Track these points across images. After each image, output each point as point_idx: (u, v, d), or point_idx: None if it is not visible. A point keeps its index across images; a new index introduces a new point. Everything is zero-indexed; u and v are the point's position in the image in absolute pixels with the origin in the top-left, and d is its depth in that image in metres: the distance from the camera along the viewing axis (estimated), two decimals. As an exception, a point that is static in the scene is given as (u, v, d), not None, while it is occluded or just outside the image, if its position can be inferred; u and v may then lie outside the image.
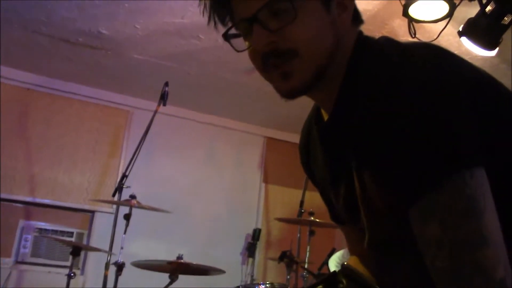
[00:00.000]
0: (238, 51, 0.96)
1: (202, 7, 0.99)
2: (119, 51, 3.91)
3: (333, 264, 2.96)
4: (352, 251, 1.17)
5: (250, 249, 4.99)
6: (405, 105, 0.78)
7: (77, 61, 4.16)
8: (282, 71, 0.90)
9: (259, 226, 5.19)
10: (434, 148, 0.76)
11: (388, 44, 0.93)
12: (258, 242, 5.04)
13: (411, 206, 0.79)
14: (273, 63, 0.90)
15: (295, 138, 4.94)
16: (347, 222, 1.10)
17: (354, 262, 1.10)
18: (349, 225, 1.11)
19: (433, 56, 0.85)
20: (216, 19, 0.98)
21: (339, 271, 0.97)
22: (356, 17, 0.97)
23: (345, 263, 0.98)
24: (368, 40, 0.96)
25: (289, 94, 0.93)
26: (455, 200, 0.75)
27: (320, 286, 0.97)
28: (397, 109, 0.79)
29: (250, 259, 5.00)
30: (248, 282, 4.77)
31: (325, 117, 1.01)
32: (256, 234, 5.05)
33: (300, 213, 3.85)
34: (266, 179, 5.40)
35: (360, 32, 0.98)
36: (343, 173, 0.98)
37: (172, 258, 3.12)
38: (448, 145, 0.76)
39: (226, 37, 0.96)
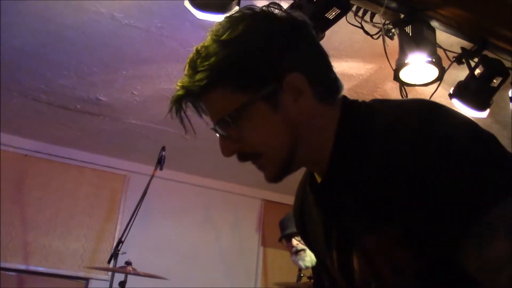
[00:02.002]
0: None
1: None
2: (117, 116, 3.96)
3: None
4: None
5: (249, 316, 4.85)
6: (438, 154, 0.79)
7: (75, 127, 4.21)
8: (256, 166, 0.98)
9: (258, 291, 5.07)
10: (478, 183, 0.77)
11: (378, 102, 0.96)
12: (257, 308, 4.90)
13: (463, 233, 0.76)
14: (246, 161, 0.98)
15: (292, 200, 4.86)
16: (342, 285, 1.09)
17: None
18: None
19: (427, 105, 0.88)
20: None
21: None
22: (327, 91, 0.97)
23: None
24: (355, 103, 0.98)
25: (272, 180, 0.98)
26: None
27: None
28: (428, 161, 0.79)
29: (249, 326, 4.85)
30: None
31: (318, 178, 1.02)
32: (255, 299, 4.92)
33: (299, 278, 3.78)
34: (264, 243, 5.33)
35: (345, 99, 0.99)
36: (334, 239, 0.99)
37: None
38: (490, 178, 0.77)
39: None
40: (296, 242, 2.87)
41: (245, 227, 5.30)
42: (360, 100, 0.99)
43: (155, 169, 3.51)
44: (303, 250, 2.84)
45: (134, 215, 3.50)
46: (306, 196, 1.10)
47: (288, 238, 2.91)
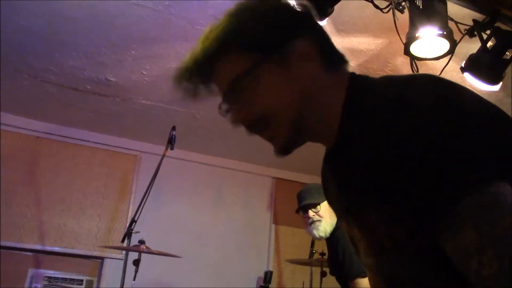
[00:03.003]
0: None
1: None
2: (127, 97, 3.96)
3: None
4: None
5: (262, 292, 4.89)
6: (426, 127, 0.78)
7: (86, 108, 4.22)
8: (265, 137, 0.97)
9: (270, 269, 5.11)
10: (463, 161, 0.76)
11: (386, 78, 0.95)
12: (270, 285, 4.94)
13: (441, 219, 0.77)
14: (255, 131, 0.96)
15: (304, 178, 4.96)
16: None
17: None
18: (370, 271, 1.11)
19: (434, 81, 0.87)
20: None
21: None
22: (334, 60, 0.98)
23: None
24: (362, 77, 0.98)
25: (282, 150, 0.97)
26: (486, 203, 0.74)
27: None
28: (416, 133, 0.79)
29: (262, 303, 4.89)
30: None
31: None
32: (267, 277, 4.95)
33: (312, 254, 3.81)
34: (276, 220, 5.35)
35: (352, 73, 0.99)
36: (344, 209, 1.01)
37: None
38: (476, 159, 0.76)
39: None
40: (313, 213, 2.90)
41: (256, 206, 5.32)
42: (369, 75, 0.99)
43: (166, 149, 3.52)
44: (319, 221, 2.88)
45: (146, 195, 3.53)
46: (327, 177, 1.13)
47: (305, 209, 2.95)
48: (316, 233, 2.89)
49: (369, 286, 2.70)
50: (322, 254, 3.44)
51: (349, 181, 0.94)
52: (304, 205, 2.95)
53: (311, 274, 3.94)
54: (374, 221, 0.89)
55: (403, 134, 0.80)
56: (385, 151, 0.82)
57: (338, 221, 2.84)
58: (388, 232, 0.86)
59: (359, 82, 0.95)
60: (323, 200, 2.87)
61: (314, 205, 2.91)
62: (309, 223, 2.92)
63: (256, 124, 0.95)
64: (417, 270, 0.86)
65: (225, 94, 0.95)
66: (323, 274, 3.43)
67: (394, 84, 0.90)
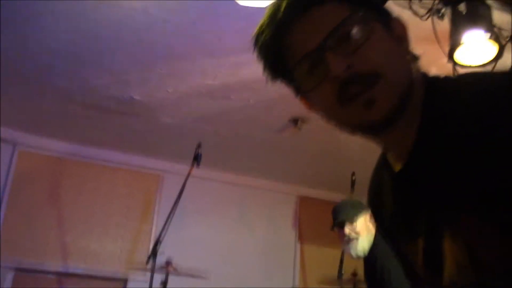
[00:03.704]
0: (298, 95, 0.91)
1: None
2: (151, 115, 3.92)
3: None
4: None
5: (288, 313, 4.78)
6: None
7: (109, 127, 4.19)
8: (365, 98, 0.80)
9: (296, 287, 4.99)
10: None
11: (460, 77, 0.88)
12: (296, 306, 4.83)
13: None
14: (354, 91, 0.80)
15: (329, 196, 4.84)
16: (424, 279, 0.99)
17: None
18: (425, 283, 1.00)
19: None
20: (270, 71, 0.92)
21: None
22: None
23: None
24: (438, 78, 0.90)
25: (382, 116, 0.81)
26: None
27: None
28: None
29: (289, 323, 4.77)
30: None
31: (393, 163, 0.93)
32: (294, 297, 4.85)
33: (341, 274, 3.69)
34: (301, 239, 5.25)
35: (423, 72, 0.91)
36: (422, 226, 0.88)
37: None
38: None
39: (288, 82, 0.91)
40: (349, 230, 2.77)
41: (281, 224, 5.23)
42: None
43: (192, 166, 3.45)
44: (356, 239, 2.75)
45: (171, 214, 3.46)
46: (383, 181, 0.99)
47: (341, 226, 2.82)
48: (353, 252, 2.77)
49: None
50: (354, 274, 3.33)
51: (434, 190, 0.85)
52: (340, 221, 2.83)
53: (341, 294, 3.81)
54: (472, 231, 0.80)
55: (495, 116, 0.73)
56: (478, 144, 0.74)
57: (376, 238, 2.73)
58: (491, 241, 0.77)
59: (435, 82, 0.87)
60: (360, 216, 2.76)
61: (350, 222, 2.79)
62: (346, 241, 2.80)
63: (360, 81, 0.79)
64: None
65: (327, 38, 0.80)
66: (356, 294, 3.31)
67: (471, 83, 0.83)
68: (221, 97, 3.58)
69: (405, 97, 0.81)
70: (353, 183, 3.84)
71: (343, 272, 3.69)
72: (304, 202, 5.34)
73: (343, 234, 2.79)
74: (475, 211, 0.77)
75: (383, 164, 0.98)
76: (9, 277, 4.23)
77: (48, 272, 4.35)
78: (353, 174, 3.89)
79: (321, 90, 0.83)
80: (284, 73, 0.91)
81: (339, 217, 2.82)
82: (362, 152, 4.28)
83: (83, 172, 4.64)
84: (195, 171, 3.66)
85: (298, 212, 5.32)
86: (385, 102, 0.80)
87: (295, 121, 3.77)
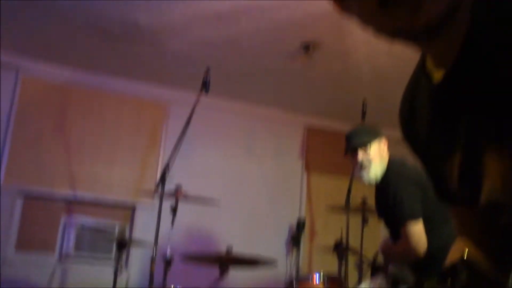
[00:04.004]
0: None
1: None
2: (157, 41, 3.81)
3: None
4: (461, 232, 1.02)
5: (294, 240, 4.85)
6: None
7: (114, 54, 4.09)
8: (411, 1, 0.70)
9: (303, 216, 5.06)
10: None
11: None
12: (302, 233, 4.90)
13: None
14: None
15: (336, 125, 4.81)
16: (460, 200, 0.94)
17: (468, 248, 0.95)
18: (462, 205, 0.95)
19: None
20: None
21: (458, 263, 0.83)
22: None
23: (465, 254, 0.84)
24: None
25: (416, 30, 0.73)
26: None
27: (434, 279, 0.83)
28: None
29: (295, 250, 4.86)
30: (294, 273, 4.64)
31: (433, 69, 0.85)
32: (300, 224, 4.91)
33: (348, 201, 3.70)
34: (308, 168, 5.26)
35: None
36: (460, 139, 0.83)
37: (217, 249, 3.01)
38: None
39: None
40: (362, 156, 2.75)
41: (288, 153, 5.23)
42: None
43: (200, 91, 3.38)
44: (369, 165, 2.73)
45: (180, 142, 3.43)
46: (419, 89, 0.92)
47: (354, 150, 2.79)
48: (365, 178, 2.76)
49: (422, 231, 2.58)
50: (364, 203, 3.33)
51: (477, 99, 0.78)
52: (353, 146, 2.79)
53: (348, 221, 3.84)
54: None
55: None
56: None
57: (389, 163, 2.71)
58: None
59: None
60: (374, 142, 2.73)
61: (364, 147, 2.76)
62: (358, 167, 2.78)
63: None
64: None
65: None
66: (365, 221, 3.33)
67: None
68: (230, 21, 3.45)
69: (454, 2, 0.72)
70: (364, 111, 3.79)
71: (350, 201, 3.70)
72: (311, 132, 5.31)
73: (356, 160, 2.77)
74: None
75: (421, 69, 0.89)
76: (18, 203, 4.28)
77: (56, 199, 4.40)
78: (364, 102, 3.83)
79: None
80: None
81: (353, 143, 2.78)
82: (374, 81, 4.20)
83: (88, 100, 4.58)
84: (203, 100, 3.59)
85: (306, 142, 5.30)
86: (433, 6, 0.70)
87: (306, 47, 3.65)
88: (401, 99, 0.99)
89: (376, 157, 2.73)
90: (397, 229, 2.65)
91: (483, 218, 0.92)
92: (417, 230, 2.54)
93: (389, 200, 2.66)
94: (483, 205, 0.84)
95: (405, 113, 0.98)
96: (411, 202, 2.56)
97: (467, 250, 0.93)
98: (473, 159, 0.82)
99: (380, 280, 2.74)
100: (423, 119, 0.92)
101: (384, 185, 2.73)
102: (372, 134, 2.79)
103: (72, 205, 4.48)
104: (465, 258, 0.83)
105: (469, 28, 0.77)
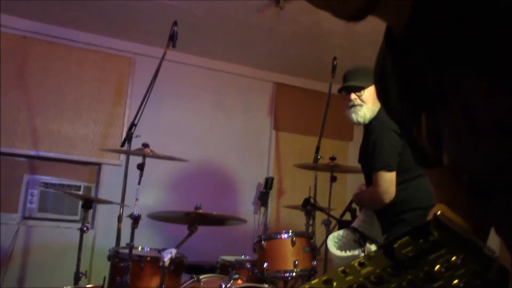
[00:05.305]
0: None
1: None
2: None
3: (332, 243, 2.83)
4: (439, 198, 1.01)
5: (262, 198, 4.87)
6: None
7: (76, 5, 3.89)
8: None
9: (271, 174, 5.06)
10: None
11: None
12: (270, 191, 4.92)
13: None
14: None
15: (305, 83, 4.77)
16: (434, 162, 0.92)
17: (445, 211, 0.93)
18: (437, 166, 0.94)
19: None
20: None
21: (430, 221, 0.80)
22: None
23: (438, 213, 0.82)
24: None
25: (350, 17, 0.74)
26: None
27: (406, 238, 0.81)
28: None
29: (263, 208, 4.89)
30: (261, 231, 4.67)
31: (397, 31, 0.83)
32: (268, 182, 4.92)
33: (317, 159, 3.70)
34: (276, 126, 5.23)
35: None
36: (424, 100, 0.82)
37: (185, 208, 2.98)
38: None
39: None
40: (355, 96, 2.75)
41: (257, 111, 5.17)
42: None
43: (167, 46, 3.27)
44: (360, 105, 2.73)
45: (146, 98, 3.34)
46: (385, 58, 0.90)
47: (348, 91, 2.78)
48: (354, 117, 2.76)
49: (393, 181, 2.60)
50: (333, 158, 3.33)
51: (437, 54, 0.75)
52: (347, 86, 2.78)
53: (316, 179, 3.86)
54: (470, 99, 0.71)
55: None
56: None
57: (379, 111, 2.70)
58: (491, 106, 0.69)
59: None
60: (368, 84, 2.71)
61: (358, 88, 2.75)
62: (350, 106, 2.77)
63: None
64: None
65: None
66: (333, 179, 3.34)
67: None
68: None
69: None
70: (334, 68, 3.75)
71: (319, 157, 3.71)
72: (280, 89, 5.25)
73: (348, 99, 2.77)
74: (486, 74, 0.68)
75: (386, 37, 0.87)
76: (-22, 160, 4.13)
77: (19, 155, 4.26)
78: (334, 59, 3.78)
79: None
80: None
81: (348, 82, 2.79)
82: (345, 38, 4.14)
83: (49, 52, 4.37)
84: (170, 54, 3.48)
85: (274, 100, 5.24)
86: None
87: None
88: (375, 62, 0.97)
89: (369, 100, 2.73)
90: (371, 176, 2.68)
91: (453, 179, 0.91)
92: (388, 178, 2.58)
93: (369, 146, 2.68)
94: (447, 166, 0.84)
95: (377, 77, 0.97)
96: (389, 153, 2.58)
97: (440, 210, 0.92)
98: (434, 119, 0.81)
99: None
100: (393, 82, 0.90)
101: (369, 131, 2.75)
102: (370, 76, 2.78)
103: (35, 163, 4.35)
104: (438, 216, 0.80)
105: None
